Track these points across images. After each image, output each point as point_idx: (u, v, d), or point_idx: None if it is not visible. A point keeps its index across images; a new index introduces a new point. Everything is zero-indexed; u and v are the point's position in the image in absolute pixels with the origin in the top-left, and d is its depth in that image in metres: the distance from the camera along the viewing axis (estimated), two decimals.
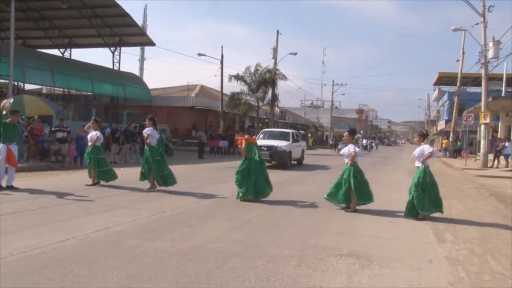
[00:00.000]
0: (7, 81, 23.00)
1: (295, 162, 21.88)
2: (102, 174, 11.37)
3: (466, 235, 7.45)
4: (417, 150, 8.83)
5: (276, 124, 47.07)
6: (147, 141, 10.84)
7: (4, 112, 10.36)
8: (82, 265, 4.87)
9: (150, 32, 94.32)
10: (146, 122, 11.22)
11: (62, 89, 34.69)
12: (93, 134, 11.54)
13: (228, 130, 35.04)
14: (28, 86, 31.91)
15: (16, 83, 27.99)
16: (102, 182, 11.41)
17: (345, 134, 9.80)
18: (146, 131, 10.94)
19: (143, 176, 10.97)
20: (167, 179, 10.85)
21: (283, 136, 21.38)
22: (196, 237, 6.40)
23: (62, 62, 33.12)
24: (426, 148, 8.73)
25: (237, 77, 35.47)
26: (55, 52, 36.86)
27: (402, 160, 33.42)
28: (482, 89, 25.33)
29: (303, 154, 23.42)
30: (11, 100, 10.96)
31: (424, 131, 9.93)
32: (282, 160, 19.73)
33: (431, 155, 8.64)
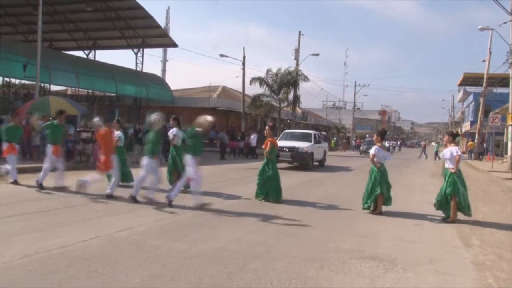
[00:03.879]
0: (34, 82, 23.52)
1: (317, 163, 21.75)
2: (122, 175, 11.43)
3: (494, 239, 7.26)
4: (447, 153, 8.58)
5: (298, 125, 46.90)
6: (174, 142, 10.92)
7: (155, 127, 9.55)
8: (106, 264, 4.93)
9: (173, 34, 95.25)
10: (171, 122, 11.36)
11: (86, 90, 35.31)
12: (113, 135, 11.66)
13: (250, 131, 35.02)
14: (53, 87, 32.65)
15: (42, 84, 28.59)
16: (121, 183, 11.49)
17: (375, 135, 9.66)
18: (172, 132, 11.01)
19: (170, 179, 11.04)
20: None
21: (305, 137, 21.28)
22: (218, 238, 6.40)
23: (87, 64, 33.70)
24: (454, 150, 8.51)
25: (259, 80, 35.47)
26: (80, 53, 37.60)
27: (424, 162, 32.90)
28: (509, 90, 24.72)
29: (325, 155, 23.27)
30: (157, 117, 9.40)
31: (454, 131, 9.67)
32: (304, 161, 19.64)
33: (459, 158, 8.45)
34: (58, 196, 9.38)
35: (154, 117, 9.38)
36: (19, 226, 6.49)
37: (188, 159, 8.94)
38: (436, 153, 39.07)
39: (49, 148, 10.29)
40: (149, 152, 9.16)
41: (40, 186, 10.07)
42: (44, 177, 10.19)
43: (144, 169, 9.06)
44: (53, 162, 10.27)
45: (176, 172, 10.82)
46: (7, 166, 10.80)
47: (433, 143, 55.99)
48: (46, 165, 10.26)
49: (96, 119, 10.05)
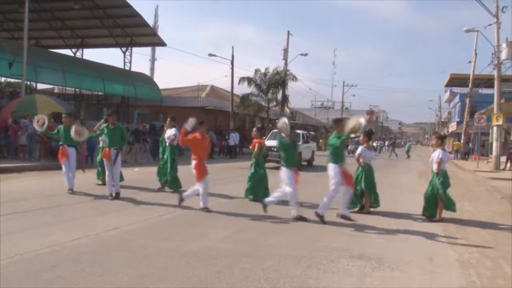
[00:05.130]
0: (20, 80, 23.27)
1: (305, 163, 21.82)
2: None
3: (478, 238, 7.37)
4: (434, 155, 8.70)
5: None
6: (174, 142, 10.92)
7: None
8: (94, 264, 4.90)
9: (161, 32, 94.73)
10: (168, 122, 11.33)
11: (73, 89, 35.03)
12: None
13: (238, 130, 35.03)
14: (40, 86, 32.32)
15: (28, 82, 28.30)
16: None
17: (361, 135, 9.72)
18: (172, 132, 10.98)
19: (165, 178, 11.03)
20: (178, 182, 10.96)
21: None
22: (206, 237, 6.41)
23: (74, 62, 33.42)
24: (438, 153, 8.63)
25: (248, 79, 35.48)
26: (67, 52, 37.26)
27: (412, 162, 33.19)
28: (494, 91, 25.06)
29: (313, 155, 23.36)
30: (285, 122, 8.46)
31: (442, 134, 9.80)
32: None
33: (440, 161, 8.54)
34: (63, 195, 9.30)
35: (282, 122, 8.31)
36: (5, 226, 6.41)
37: (284, 171, 7.98)
38: (407, 152, 38.99)
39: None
40: (287, 163, 8.01)
41: (111, 196, 9.34)
42: (109, 186, 9.47)
43: (287, 183, 7.91)
44: (108, 167, 9.52)
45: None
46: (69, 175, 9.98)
47: (407, 143, 55.43)
48: (106, 173, 9.59)
49: (191, 120, 8.64)
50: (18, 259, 4.95)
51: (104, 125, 10.00)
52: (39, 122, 10.17)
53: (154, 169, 11.37)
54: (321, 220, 7.74)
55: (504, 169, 23.98)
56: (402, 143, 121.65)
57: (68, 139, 10.03)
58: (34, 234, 6.07)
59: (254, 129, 10.73)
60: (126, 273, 4.68)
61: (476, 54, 36.19)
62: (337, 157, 7.86)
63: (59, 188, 10.16)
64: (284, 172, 7.96)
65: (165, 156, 11.06)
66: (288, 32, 40.02)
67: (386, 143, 70.78)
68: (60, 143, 10.17)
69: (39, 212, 7.59)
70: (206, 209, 8.38)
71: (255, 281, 4.64)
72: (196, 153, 8.51)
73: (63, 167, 10.01)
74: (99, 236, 6.21)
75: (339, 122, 8.14)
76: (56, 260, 4.96)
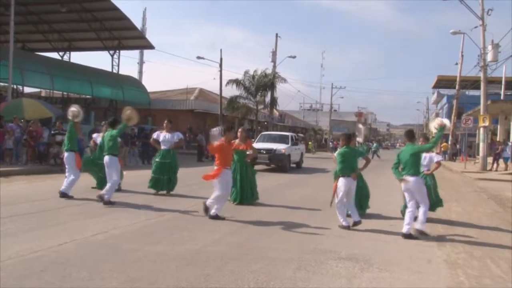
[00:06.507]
0: (6, 84, 23.03)
1: (294, 165, 21.88)
2: (100, 180, 11.18)
3: (465, 238, 7.44)
4: (426, 158, 8.74)
5: (275, 127, 47.10)
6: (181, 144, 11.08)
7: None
8: (81, 268, 4.86)
9: (149, 35, 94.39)
10: (165, 125, 11.23)
11: (61, 92, 34.72)
12: (95, 136, 11.57)
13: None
14: (27, 89, 32.01)
15: (15, 86, 27.99)
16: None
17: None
18: (178, 135, 11.14)
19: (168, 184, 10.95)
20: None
21: (282, 139, 21.38)
22: (195, 241, 6.39)
23: (61, 65, 33.11)
24: (434, 157, 8.73)
25: (236, 82, 35.51)
26: (54, 55, 36.91)
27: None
28: (481, 92, 25.36)
29: (302, 157, 23.43)
30: None
31: (427, 135, 9.97)
32: (281, 163, 19.73)
33: (439, 165, 8.70)
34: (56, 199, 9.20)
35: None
36: None
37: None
38: (375, 152, 38.01)
39: (106, 159, 9.33)
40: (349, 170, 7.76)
41: (110, 203, 8.90)
42: (111, 192, 9.09)
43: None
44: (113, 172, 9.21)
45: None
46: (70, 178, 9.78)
47: (374, 143, 52.56)
48: (114, 178, 9.14)
49: (216, 131, 8.45)
50: (4, 264, 4.87)
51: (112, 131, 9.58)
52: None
53: (143, 172, 11.34)
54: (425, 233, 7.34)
55: (491, 170, 24.26)
56: (389, 144, 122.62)
57: (75, 145, 10.08)
58: (21, 239, 6.00)
59: (241, 129, 10.69)
60: (115, 277, 4.65)
61: (462, 56, 36.67)
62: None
63: (47, 192, 10.08)
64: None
65: (159, 161, 10.90)
66: (277, 34, 40.24)
67: (374, 144, 71.12)
68: (71, 148, 9.95)
69: (26, 217, 7.50)
70: (216, 217, 8.02)
71: (244, 283, 4.64)
72: (219, 158, 8.31)
73: (68, 172, 9.89)
74: (87, 240, 6.16)
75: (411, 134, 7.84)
76: (44, 265, 4.91)
